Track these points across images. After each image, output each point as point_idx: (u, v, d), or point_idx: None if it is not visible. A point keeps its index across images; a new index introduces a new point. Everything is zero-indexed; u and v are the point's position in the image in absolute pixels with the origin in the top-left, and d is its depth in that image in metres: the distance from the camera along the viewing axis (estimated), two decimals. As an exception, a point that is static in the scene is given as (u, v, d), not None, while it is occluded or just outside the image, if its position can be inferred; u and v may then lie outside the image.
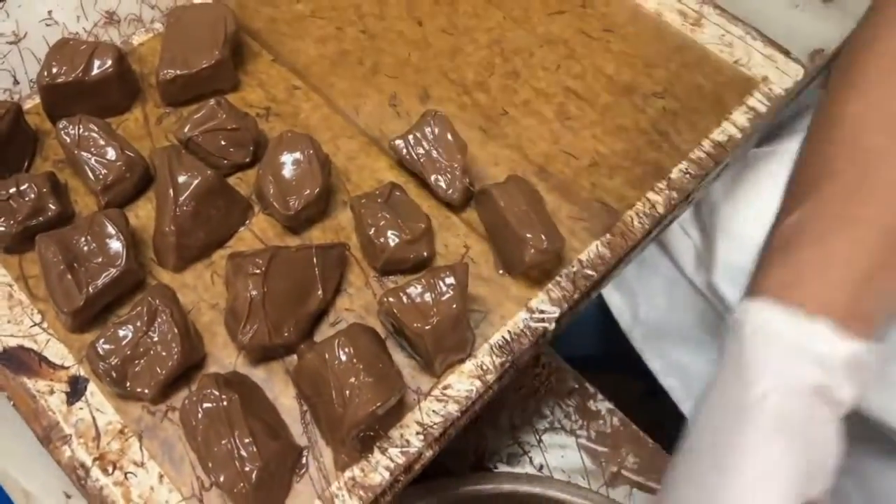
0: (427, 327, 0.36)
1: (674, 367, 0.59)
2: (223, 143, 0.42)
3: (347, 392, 0.33)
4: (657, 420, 0.53)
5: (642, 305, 0.60)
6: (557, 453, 0.48)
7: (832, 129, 0.34)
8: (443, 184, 0.42)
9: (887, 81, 0.34)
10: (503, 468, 0.47)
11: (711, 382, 0.31)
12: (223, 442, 0.33)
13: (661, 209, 0.43)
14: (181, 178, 0.39)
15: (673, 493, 0.31)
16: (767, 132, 0.56)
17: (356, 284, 0.40)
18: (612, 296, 0.62)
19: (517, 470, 0.47)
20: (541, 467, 0.48)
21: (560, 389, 0.50)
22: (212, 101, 0.42)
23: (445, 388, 0.37)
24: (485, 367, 0.38)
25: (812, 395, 0.29)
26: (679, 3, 0.52)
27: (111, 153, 0.41)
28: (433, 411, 0.37)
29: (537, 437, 0.49)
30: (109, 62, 0.43)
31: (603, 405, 0.50)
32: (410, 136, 0.42)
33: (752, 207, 0.54)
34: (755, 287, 0.31)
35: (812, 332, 0.29)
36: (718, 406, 0.30)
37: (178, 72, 0.44)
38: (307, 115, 0.46)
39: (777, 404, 0.28)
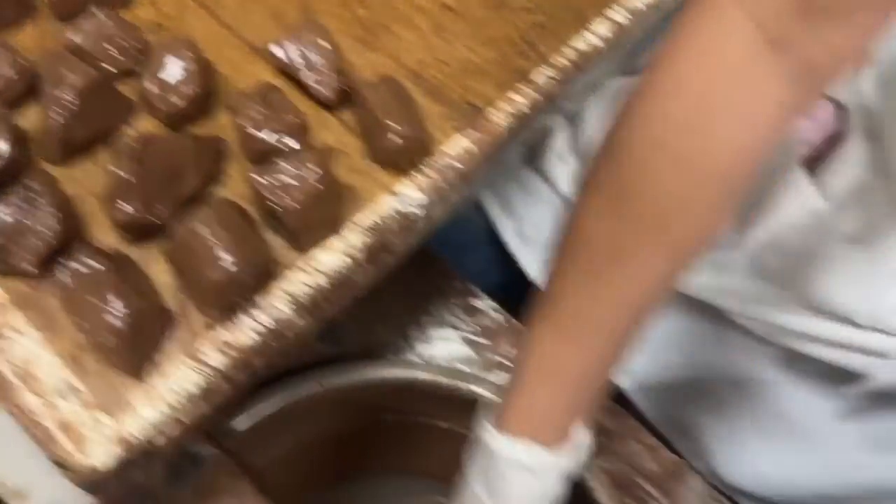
0: (294, 204, 0.39)
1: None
2: (108, 48, 0.45)
3: (213, 254, 0.36)
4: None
5: (528, 230, 0.63)
6: (443, 346, 0.51)
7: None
8: (316, 83, 0.45)
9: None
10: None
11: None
12: (94, 301, 0.36)
13: (525, 109, 0.47)
14: (65, 77, 0.41)
15: None
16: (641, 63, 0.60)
17: (232, 175, 0.43)
18: (503, 225, 0.65)
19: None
20: (426, 359, 0.51)
21: (446, 289, 0.54)
22: (98, 12, 0.45)
23: (314, 261, 0.40)
24: (353, 246, 0.41)
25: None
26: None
27: (2, 61, 0.43)
28: (302, 282, 0.40)
29: (424, 333, 0.52)
30: (-1, -25, 0.45)
31: (487, 303, 0.53)
32: (287, 42, 0.45)
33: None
34: (499, 421, 0.41)
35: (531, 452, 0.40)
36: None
37: (68, -14, 0.46)
38: (194, 29, 0.49)
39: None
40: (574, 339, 0.39)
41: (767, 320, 0.53)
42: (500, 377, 0.50)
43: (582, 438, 0.42)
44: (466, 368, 0.50)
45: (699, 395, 0.60)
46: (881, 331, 0.49)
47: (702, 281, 0.55)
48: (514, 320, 0.52)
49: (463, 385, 0.49)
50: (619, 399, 0.57)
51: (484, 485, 0.42)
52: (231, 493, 0.43)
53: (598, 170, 0.37)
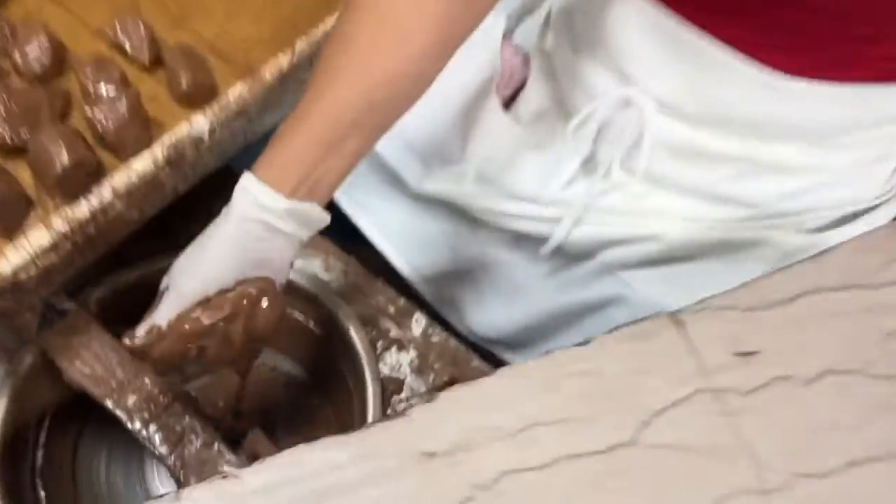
0: (111, 126, 0.59)
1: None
2: (-13, 32, 0.65)
3: (54, 159, 0.56)
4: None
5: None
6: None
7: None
8: (136, 52, 0.65)
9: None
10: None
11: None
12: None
13: (286, 68, 0.68)
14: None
15: (175, 261, 0.55)
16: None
17: (75, 115, 0.63)
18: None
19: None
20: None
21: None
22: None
23: (129, 166, 0.61)
24: (157, 156, 0.61)
25: (262, 226, 0.51)
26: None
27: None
28: (120, 178, 0.60)
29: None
30: None
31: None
32: (117, 24, 0.66)
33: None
34: (254, 165, 0.51)
35: (265, 194, 0.50)
36: (213, 224, 0.53)
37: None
38: (50, 17, 0.68)
39: (236, 225, 0.51)
40: (317, 108, 0.51)
41: (491, 209, 0.74)
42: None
43: (316, 214, 0.52)
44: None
45: (459, 277, 0.82)
46: (552, 204, 0.71)
47: (448, 188, 0.76)
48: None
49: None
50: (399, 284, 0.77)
51: (225, 222, 0.51)
52: (84, 332, 0.62)
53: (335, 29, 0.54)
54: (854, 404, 0.41)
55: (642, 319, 0.44)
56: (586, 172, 0.69)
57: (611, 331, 0.44)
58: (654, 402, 0.41)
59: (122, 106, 0.60)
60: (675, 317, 0.44)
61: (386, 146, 0.76)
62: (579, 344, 0.43)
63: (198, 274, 0.52)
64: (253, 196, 0.50)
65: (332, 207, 0.55)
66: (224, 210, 0.52)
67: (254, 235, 0.51)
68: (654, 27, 0.60)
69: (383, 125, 0.54)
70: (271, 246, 0.52)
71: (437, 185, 0.76)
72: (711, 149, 0.62)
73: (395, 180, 0.78)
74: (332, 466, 0.39)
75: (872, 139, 0.60)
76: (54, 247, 0.57)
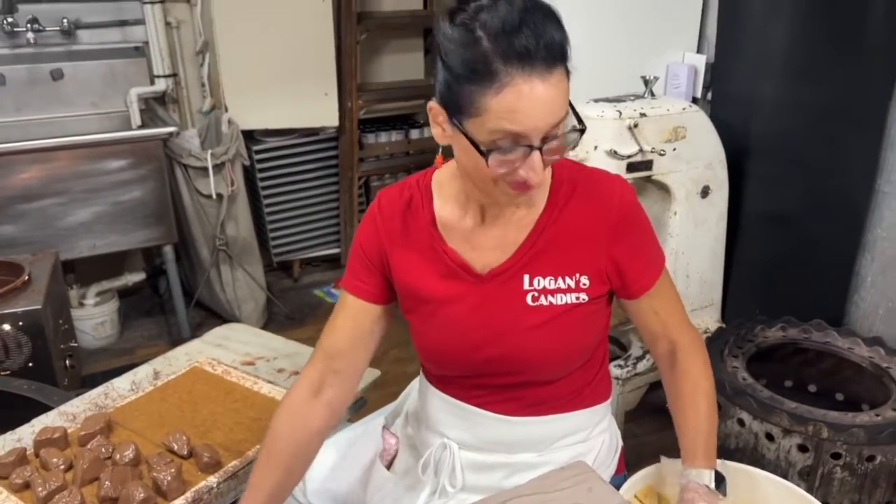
0: None
1: None
2: None
3: None
4: None
5: None
6: None
7: None
8: (178, 448, 1.22)
9: None
10: None
11: None
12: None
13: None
14: None
15: None
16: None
17: None
18: None
19: None
20: None
21: None
22: None
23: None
24: None
25: None
26: None
27: None
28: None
29: None
30: None
31: None
32: (169, 436, 1.24)
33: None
34: None
35: None
36: None
37: None
38: (134, 439, 1.26)
39: None
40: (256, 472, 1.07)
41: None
42: None
43: None
44: None
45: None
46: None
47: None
48: None
49: None
50: None
51: None
52: None
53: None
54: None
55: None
56: (431, 497, 1.21)
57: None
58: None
59: (171, 474, 1.14)
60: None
61: (317, 499, 1.28)
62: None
63: None
64: None
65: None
66: None
67: None
68: (448, 405, 1.19)
69: (288, 487, 1.11)
70: None
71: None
72: (489, 463, 1.16)
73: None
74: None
75: (566, 444, 1.15)
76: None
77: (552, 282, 1.05)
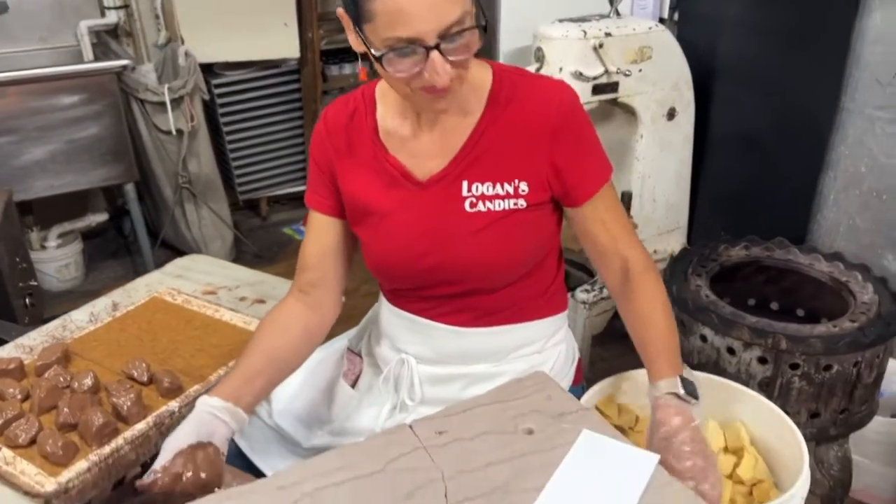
0: None
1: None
2: None
3: None
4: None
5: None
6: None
7: None
8: (138, 375, 1.21)
9: None
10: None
11: None
12: None
13: None
14: None
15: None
16: None
17: None
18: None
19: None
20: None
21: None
22: None
23: None
24: None
25: (209, 415, 1.06)
26: None
27: None
28: None
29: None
30: None
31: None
32: (129, 364, 1.23)
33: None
34: (209, 391, 1.13)
35: (213, 398, 1.10)
36: (185, 418, 1.09)
37: None
38: (94, 368, 1.25)
39: (196, 414, 1.08)
40: (240, 363, 1.07)
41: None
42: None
43: (240, 414, 1.01)
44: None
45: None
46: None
47: (326, 441, 1.27)
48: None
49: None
50: None
51: (191, 413, 1.00)
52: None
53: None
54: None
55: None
56: (392, 412, 1.21)
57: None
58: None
59: (131, 399, 1.13)
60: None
61: (283, 420, 1.28)
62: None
63: (174, 439, 0.99)
64: (205, 399, 1.02)
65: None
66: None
67: (206, 420, 1.00)
68: (403, 319, 1.19)
69: (274, 380, 1.10)
70: (215, 427, 1.00)
71: (319, 440, 1.26)
72: (446, 375, 1.17)
73: (289, 441, 1.28)
74: None
75: (522, 355, 1.16)
76: (88, 470, 1.05)
77: (490, 188, 1.04)
